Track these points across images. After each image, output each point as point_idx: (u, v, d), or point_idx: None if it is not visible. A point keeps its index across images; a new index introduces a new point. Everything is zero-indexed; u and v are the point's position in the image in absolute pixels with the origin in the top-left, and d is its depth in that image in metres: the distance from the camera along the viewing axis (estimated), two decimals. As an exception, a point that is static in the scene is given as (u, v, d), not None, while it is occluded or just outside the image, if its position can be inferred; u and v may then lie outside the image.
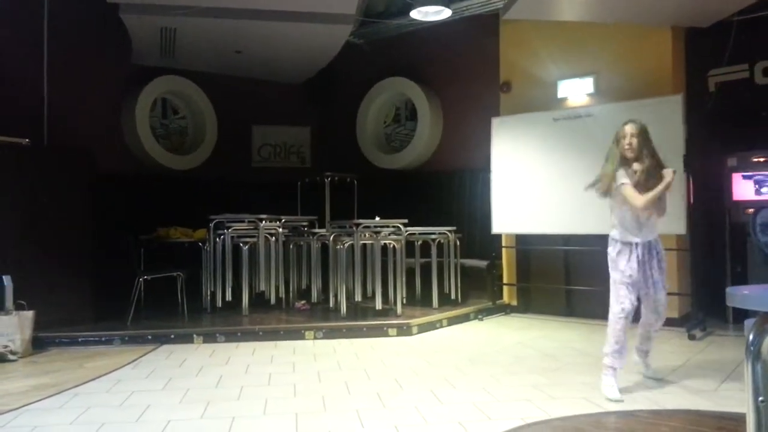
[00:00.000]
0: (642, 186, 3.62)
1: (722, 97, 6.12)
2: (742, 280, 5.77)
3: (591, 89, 6.42)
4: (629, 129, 3.72)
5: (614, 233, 3.81)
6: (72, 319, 5.49)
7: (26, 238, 5.31)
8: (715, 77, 6.20)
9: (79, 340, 5.22)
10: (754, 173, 5.92)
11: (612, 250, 3.81)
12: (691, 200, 5.49)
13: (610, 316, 3.76)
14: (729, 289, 1.84)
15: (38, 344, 5.05)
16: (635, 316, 3.83)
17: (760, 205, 4.62)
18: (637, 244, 3.71)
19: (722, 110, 6.08)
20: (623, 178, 3.65)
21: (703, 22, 5.82)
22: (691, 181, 5.49)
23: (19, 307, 4.92)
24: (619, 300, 3.71)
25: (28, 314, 4.92)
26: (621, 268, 3.73)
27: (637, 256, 3.70)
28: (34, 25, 6.55)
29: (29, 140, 5.59)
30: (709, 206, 6.06)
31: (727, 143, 6.05)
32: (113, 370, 4.35)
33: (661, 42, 6.01)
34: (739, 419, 2.66)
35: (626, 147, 3.69)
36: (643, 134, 3.71)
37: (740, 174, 5.99)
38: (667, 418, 3.18)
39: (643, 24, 6.00)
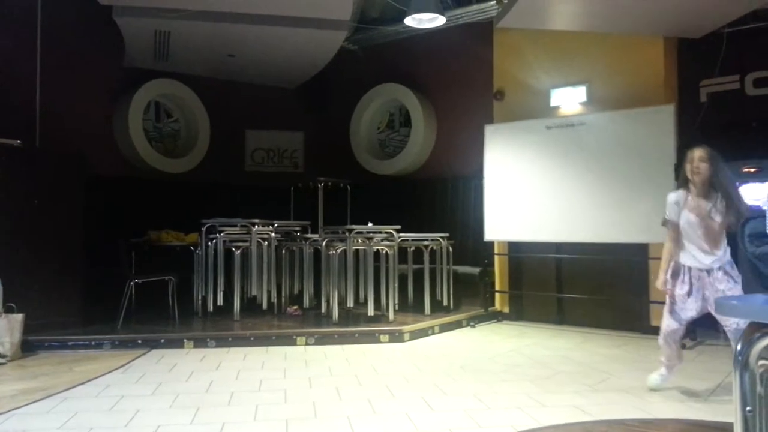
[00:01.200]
0: (698, 214, 3.60)
1: (713, 107, 6.17)
2: (732, 289, 5.79)
3: (584, 98, 6.46)
4: (698, 153, 3.63)
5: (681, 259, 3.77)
6: (62, 323, 5.45)
7: (16, 240, 5.27)
8: (707, 88, 6.25)
9: (69, 343, 5.18)
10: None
11: (670, 270, 3.81)
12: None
13: None
14: (718, 299, 1.86)
15: (27, 347, 5.01)
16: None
17: (749, 216, 4.65)
18: (690, 267, 3.68)
19: (713, 120, 6.13)
20: (668, 209, 3.70)
21: (694, 34, 5.88)
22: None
23: (8, 310, 4.89)
24: (663, 321, 3.83)
25: (18, 317, 4.88)
26: (671, 289, 3.77)
27: (689, 279, 3.68)
28: (27, 26, 6.53)
29: (21, 142, 5.56)
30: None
31: (718, 153, 6.08)
32: (102, 375, 4.33)
33: (653, 52, 6.06)
34: (727, 429, 2.68)
35: (693, 170, 3.62)
36: (712, 160, 3.61)
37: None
38: (656, 428, 3.20)
39: (636, 34, 6.05)
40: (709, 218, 3.57)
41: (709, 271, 3.61)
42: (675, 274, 3.76)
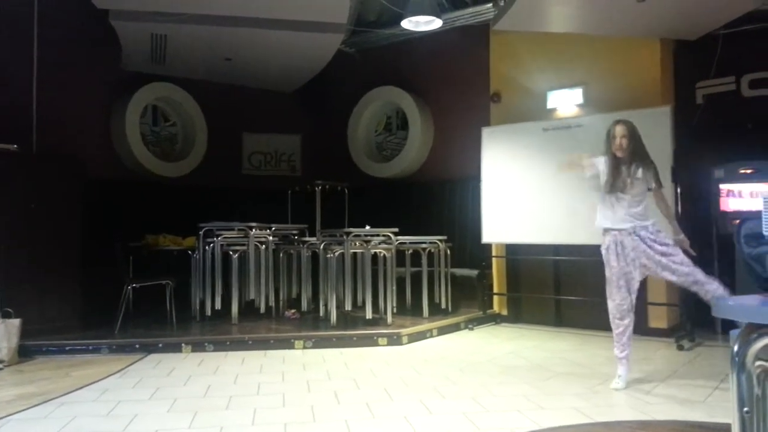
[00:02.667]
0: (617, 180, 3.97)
1: (710, 109, 6.19)
2: (729, 290, 5.79)
3: (580, 100, 6.48)
4: (620, 130, 3.97)
5: (600, 222, 4.12)
6: (59, 327, 5.44)
7: (14, 244, 5.26)
8: (703, 89, 6.27)
9: (66, 348, 5.16)
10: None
11: (602, 247, 4.11)
12: (679, 211, 5.54)
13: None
14: (714, 300, 1.86)
15: (25, 352, 4.99)
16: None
17: (745, 216, 4.66)
18: (620, 231, 3.99)
19: (710, 122, 6.14)
20: (594, 159, 4.10)
21: (690, 35, 5.90)
22: (679, 192, 5.54)
23: (5, 315, 4.87)
24: (608, 297, 4.08)
25: (15, 322, 4.86)
26: (608, 263, 4.05)
27: (622, 250, 3.99)
28: (24, 30, 6.53)
29: (17, 146, 5.55)
30: (697, 217, 6.10)
31: (715, 155, 6.11)
32: (100, 379, 4.31)
33: (649, 54, 6.07)
34: (726, 429, 2.68)
35: (616, 146, 3.97)
36: (632, 134, 3.96)
37: (728, 185, 6.05)
38: (655, 429, 3.19)
39: (632, 36, 6.07)
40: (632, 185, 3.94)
41: (638, 236, 3.94)
42: (609, 248, 4.03)
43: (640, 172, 3.98)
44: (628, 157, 3.98)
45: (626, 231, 3.98)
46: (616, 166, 4.00)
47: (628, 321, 4.06)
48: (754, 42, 5.91)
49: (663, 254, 3.95)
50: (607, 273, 4.08)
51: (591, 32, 6.14)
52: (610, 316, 4.10)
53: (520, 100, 6.88)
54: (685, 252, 4.04)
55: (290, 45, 7.07)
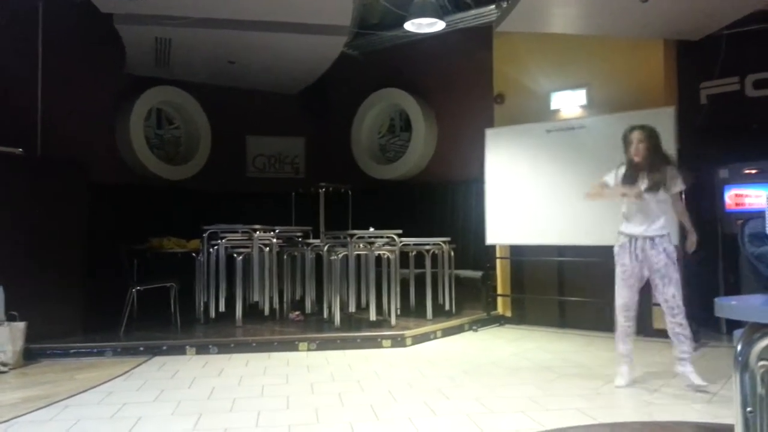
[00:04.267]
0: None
1: (714, 109, 6.17)
2: (735, 291, 5.79)
3: (583, 101, 6.47)
4: (637, 135, 3.99)
5: (620, 226, 4.13)
6: (64, 330, 5.45)
7: (18, 248, 5.28)
8: (707, 90, 6.25)
9: (71, 351, 5.18)
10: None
11: (616, 245, 4.13)
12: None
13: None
14: (717, 300, 1.85)
15: (29, 355, 5.01)
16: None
17: (749, 216, 4.65)
18: (636, 237, 3.99)
19: (714, 122, 6.13)
20: (609, 176, 4.15)
21: (694, 36, 5.89)
22: (683, 193, 5.52)
23: (10, 318, 4.89)
24: (617, 294, 4.11)
25: (20, 325, 4.89)
26: (621, 261, 4.08)
27: (635, 250, 4.00)
28: (29, 34, 6.57)
29: (22, 150, 5.58)
30: (702, 217, 6.08)
31: (719, 155, 6.10)
32: (105, 382, 4.32)
33: (653, 55, 6.07)
34: (729, 430, 2.67)
35: (634, 151, 4.00)
36: (649, 138, 3.97)
37: (732, 185, 6.04)
38: (659, 430, 3.18)
39: (635, 37, 6.06)
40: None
41: (653, 240, 3.94)
42: (623, 247, 4.06)
43: (657, 178, 3.94)
44: (646, 163, 3.97)
45: (640, 236, 3.99)
46: (632, 171, 4.01)
47: (633, 322, 4.10)
48: (758, 42, 5.89)
49: (665, 267, 3.94)
50: (618, 270, 4.10)
51: (594, 33, 6.13)
52: (617, 313, 4.13)
53: (524, 101, 6.88)
54: (691, 253, 4.11)
55: (293, 48, 7.09)
